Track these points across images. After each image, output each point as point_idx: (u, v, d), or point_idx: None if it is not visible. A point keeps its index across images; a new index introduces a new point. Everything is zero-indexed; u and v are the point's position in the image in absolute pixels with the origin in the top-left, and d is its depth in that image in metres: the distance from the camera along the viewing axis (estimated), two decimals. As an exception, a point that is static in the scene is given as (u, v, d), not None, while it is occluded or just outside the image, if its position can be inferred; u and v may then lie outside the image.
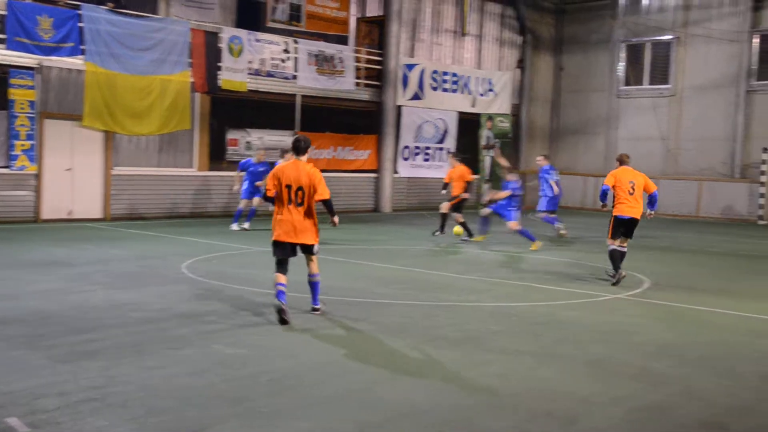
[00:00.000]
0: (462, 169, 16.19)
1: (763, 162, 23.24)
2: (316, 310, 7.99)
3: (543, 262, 13.20)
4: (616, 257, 10.59)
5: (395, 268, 11.54)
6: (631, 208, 10.63)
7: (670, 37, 25.93)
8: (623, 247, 10.74)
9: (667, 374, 6.14)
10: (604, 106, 27.55)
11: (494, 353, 6.64)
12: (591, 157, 27.67)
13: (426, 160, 24.72)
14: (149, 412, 4.83)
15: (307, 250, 7.73)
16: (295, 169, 7.69)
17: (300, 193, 7.58)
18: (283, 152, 13.64)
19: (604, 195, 10.63)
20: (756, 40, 24.20)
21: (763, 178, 23.26)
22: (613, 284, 10.41)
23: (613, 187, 10.68)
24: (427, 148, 24.68)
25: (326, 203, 7.80)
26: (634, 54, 27.00)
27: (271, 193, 7.70)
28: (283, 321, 7.41)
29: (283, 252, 7.66)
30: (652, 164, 26.15)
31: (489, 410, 5.07)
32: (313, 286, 7.97)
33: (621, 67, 27.17)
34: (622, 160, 11.14)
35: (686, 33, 25.59)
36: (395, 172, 23.61)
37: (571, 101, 28.37)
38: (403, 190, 24.24)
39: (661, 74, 26.29)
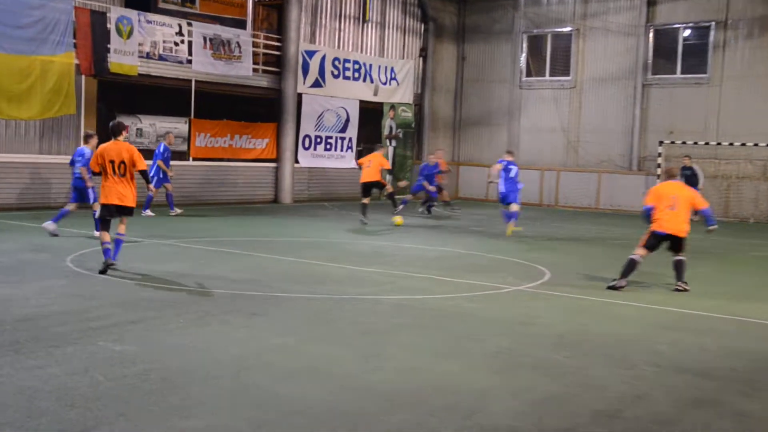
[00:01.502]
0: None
1: (659, 155, 24.45)
2: (112, 265, 9.65)
3: (447, 254, 13.43)
4: (630, 266, 10.17)
5: (295, 261, 11.49)
6: (670, 223, 10.10)
7: (569, 29, 26.82)
8: (678, 256, 10.25)
9: (564, 365, 6.35)
10: (507, 97, 28.24)
11: (396, 347, 6.70)
12: (495, 149, 28.28)
13: (327, 149, 24.67)
14: (28, 415, 4.63)
15: (126, 212, 9.92)
16: (116, 147, 9.81)
17: (122, 166, 9.74)
18: (87, 137, 13.21)
19: (646, 216, 10.25)
20: (651, 35, 25.38)
21: (659, 171, 24.44)
22: (609, 287, 10.10)
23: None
24: (329, 137, 24.64)
25: (143, 173, 9.87)
26: (536, 45, 27.78)
27: (96, 169, 9.87)
28: (104, 272, 9.51)
29: (110, 213, 9.83)
30: (554, 156, 27.06)
31: (388, 406, 5.11)
32: (117, 243, 10.02)
33: (523, 58, 27.92)
34: (670, 174, 10.64)
35: (585, 25, 26.55)
36: (296, 161, 23.46)
37: (474, 91, 28.93)
38: (304, 180, 24.12)
39: (561, 66, 27.17)
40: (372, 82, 25.70)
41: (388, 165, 17.48)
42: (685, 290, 10.11)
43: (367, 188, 17.59)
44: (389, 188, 18.20)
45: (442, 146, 28.20)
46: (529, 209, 23.41)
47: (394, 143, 26.69)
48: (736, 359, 6.78)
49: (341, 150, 25.05)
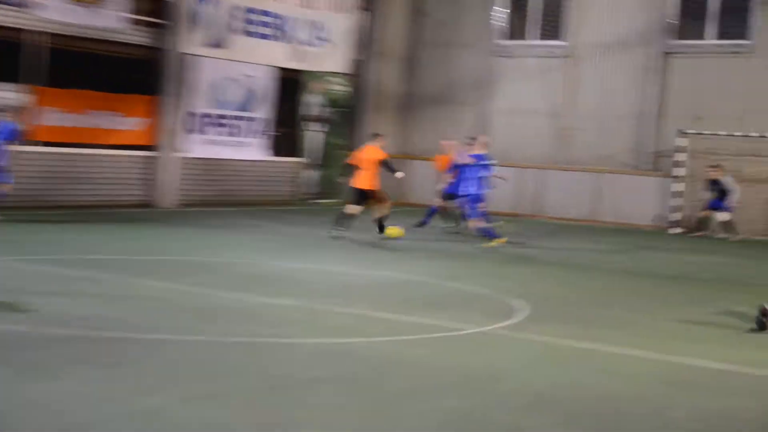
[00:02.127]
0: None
1: (678, 150, 24.94)
2: None
3: (388, 281, 13.42)
4: None
5: (177, 289, 11.38)
6: None
7: (565, -24, 27.27)
8: None
9: (542, 435, 6.43)
10: (477, 67, 28.43)
11: (310, 411, 6.67)
12: (458, 137, 28.39)
13: (228, 134, 24.52)
14: None
15: None
16: None
17: None
18: None
19: None
20: (677, -13, 25.95)
21: (678, 172, 24.93)
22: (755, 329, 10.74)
23: None
24: (231, 117, 24.49)
25: None
26: (518, -3, 28.17)
27: None
28: None
29: None
30: (539, 148, 27.32)
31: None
32: None
33: (500, 14, 28.20)
34: None
35: (586, -28, 27.03)
36: (182, 150, 23.23)
37: (433, 59, 29.07)
38: (195, 176, 23.90)
39: (553, 26, 27.51)
40: (293, 42, 25.65)
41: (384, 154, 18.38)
42: None
43: (361, 197, 18.13)
44: (381, 207, 18.40)
45: (387, 131, 28.30)
46: (503, 220, 23.57)
47: (319, 127, 26.67)
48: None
49: (248, 135, 24.90)
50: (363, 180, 18.17)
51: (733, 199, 23.08)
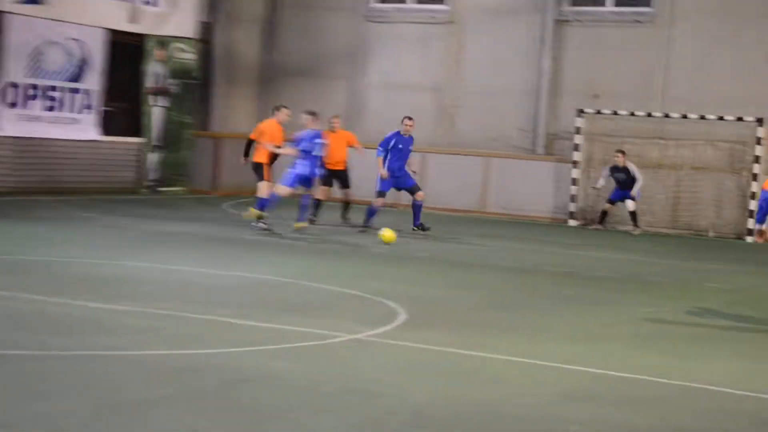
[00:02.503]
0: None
1: (578, 131, 25.53)
2: None
3: (246, 282, 13.38)
4: None
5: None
6: None
7: (448, -70, 27.51)
8: None
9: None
10: (348, 34, 28.46)
11: (156, 433, 6.65)
12: (328, 115, 28.37)
13: (51, 108, 24.01)
14: None
15: None
16: None
17: None
18: None
19: (762, 215, 12.96)
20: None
21: (576, 156, 25.52)
22: None
23: None
24: (53, 88, 24.00)
25: None
26: (393, -48, 28.29)
27: None
28: None
29: None
30: (420, 128, 27.46)
31: None
32: None
33: (373, -28, 28.30)
34: None
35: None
36: (-5, 128, 22.73)
37: (297, 24, 28.94)
38: (9, 159, 23.34)
39: (434, -13, 27.81)
40: (128, 0, 25.27)
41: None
42: None
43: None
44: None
45: (243, 107, 28.16)
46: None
47: (161, 101, 26.34)
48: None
49: (74, 110, 24.44)
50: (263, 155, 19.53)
51: (638, 185, 23.69)
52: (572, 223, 25.22)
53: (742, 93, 24.30)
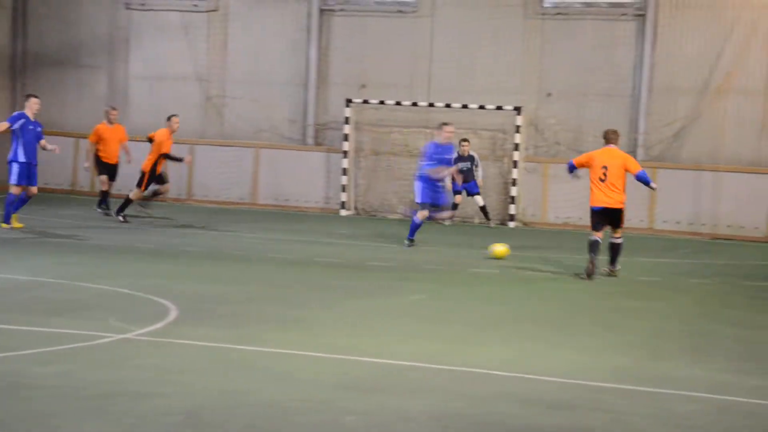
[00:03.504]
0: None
1: (346, 121, 25.72)
2: None
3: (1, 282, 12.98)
4: (590, 247, 15.59)
5: None
6: (605, 196, 15.70)
7: None
8: (614, 238, 16.00)
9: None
10: (107, 22, 28.01)
11: None
12: (88, 107, 27.75)
13: None
14: None
15: None
16: None
17: None
18: None
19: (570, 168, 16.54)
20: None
21: (346, 146, 25.69)
22: (583, 276, 15.49)
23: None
24: None
25: None
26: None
27: None
28: None
29: None
30: (188, 120, 27.17)
31: None
32: None
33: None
34: (608, 138, 16.14)
35: None
36: None
37: (51, 11, 28.28)
38: None
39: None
40: None
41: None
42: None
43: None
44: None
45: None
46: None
47: None
48: (450, 431, 7.26)
49: None
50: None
51: (481, 174, 24.00)
52: (344, 213, 25.44)
53: (502, 83, 25.12)
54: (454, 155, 21.17)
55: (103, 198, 21.87)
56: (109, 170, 21.66)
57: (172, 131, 21.04)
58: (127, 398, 7.74)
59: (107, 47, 28.01)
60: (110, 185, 21.98)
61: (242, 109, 27.05)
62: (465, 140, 23.98)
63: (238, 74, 27.14)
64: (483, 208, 24.14)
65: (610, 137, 16.11)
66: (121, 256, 16.15)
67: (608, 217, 15.80)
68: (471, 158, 23.96)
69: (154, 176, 20.87)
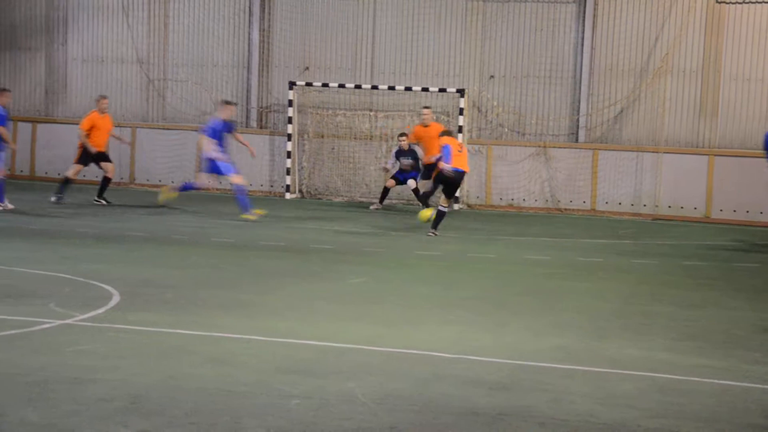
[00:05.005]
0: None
1: (290, 104, 25.63)
2: None
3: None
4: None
5: None
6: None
7: None
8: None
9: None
10: (42, 3, 27.59)
11: None
12: (26, 90, 27.45)
13: None
14: None
15: None
16: None
17: None
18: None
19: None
20: None
21: (290, 129, 25.61)
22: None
23: None
24: None
25: None
26: None
27: None
28: None
29: None
30: (130, 104, 27.04)
31: None
32: None
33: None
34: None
35: None
36: None
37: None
38: None
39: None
40: None
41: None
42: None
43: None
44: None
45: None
46: (87, 189, 23.10)
47: None
48: (391, 412, 7.35)
49: None
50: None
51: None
52: (289, 196, 25.38)
53: (444, 65, 25.18)
54: (395, 149, 22.38)
55: (63, 186, 21.37)
56: (98, 157, 21.50)
57: (101, 112, 21.27)
58: (68, 384, 7.72)
59: (45, 29, 27.64)
60: (109, 170, 21.80)
61: (184, 92, 26.87)
62: (403, 134, 23.59)
63: (180, 57, 26.93)
64: (416, 191, 23.66)
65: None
66: (62, 241, 16.02)
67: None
68: (412, 152, 23.38)
69: (90, 157, 21.33)
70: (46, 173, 26.50)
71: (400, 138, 23.44)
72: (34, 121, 27.01)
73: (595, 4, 24.31)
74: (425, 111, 21.78)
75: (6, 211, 19.26)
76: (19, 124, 26.52)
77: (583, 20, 24.44)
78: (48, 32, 27.64)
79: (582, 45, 24.49)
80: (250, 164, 25.91)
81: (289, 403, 7.44)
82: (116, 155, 25.76)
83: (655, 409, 7.67)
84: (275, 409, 7.31)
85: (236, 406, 7.30)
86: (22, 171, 27.02)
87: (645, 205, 23.78)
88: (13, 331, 9.43)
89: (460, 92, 24.51)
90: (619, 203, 24.08)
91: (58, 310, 10.49)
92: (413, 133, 22.91)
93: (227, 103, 21.77)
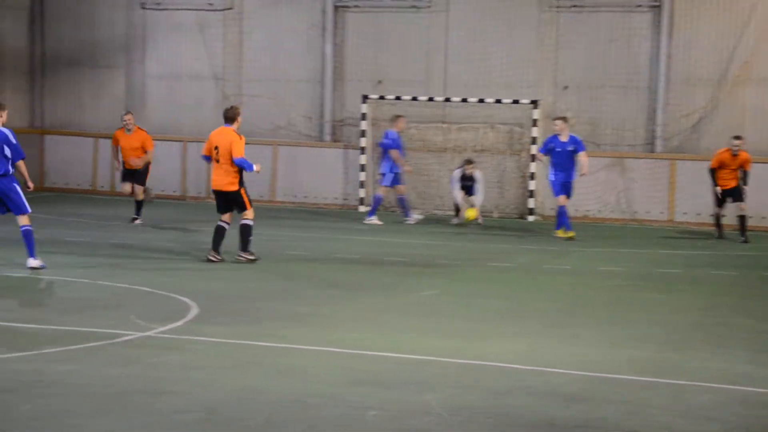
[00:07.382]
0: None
1: (363, 117, 25.71)
2: None
3: (13, 281, 13.02)
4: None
5: None
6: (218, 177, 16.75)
7: None
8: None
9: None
10: (122, 23, 27.94)
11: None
12: (106, 107, 27.82)
13: None
14: None
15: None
16: None
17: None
18: None
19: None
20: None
21: (363, 142, 25.70)
22: None
23: None
24: None
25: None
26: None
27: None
28: None
29: None
30: (204, 118, 27.25)
31: None
32: None
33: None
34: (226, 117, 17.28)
35: None
36: None
37: (67, 12, 28.20)
38: None
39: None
40: None
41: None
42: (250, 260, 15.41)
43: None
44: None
45: (13, 100, 27.21)
46: (165, 204, 23.36)
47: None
48: (466, 424, 7.32)
49: None
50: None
51: (481, 193, 23.34)
52: (363, 209, 25.37)
53: (518, 76, 25.06)
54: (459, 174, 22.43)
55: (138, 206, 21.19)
56: (128, 176, 21.02)
57: (126, 129, 20.78)
58: (146, 395, 7.79)
59: (124, 47, 27.97)
60: (134, 189, 21.17)
61: (259, 107, 26.97)
62: (469, 161, 23.11)
63: (255, 72, 27.11)
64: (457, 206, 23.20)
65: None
66: (140, 255, 16.19)
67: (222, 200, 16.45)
68: (472, 178, 22.81)
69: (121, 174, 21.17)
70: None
71: (467, 164, 22.97)
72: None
73: (672, 11, 24.03)
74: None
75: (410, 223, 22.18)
76: (100, 140, 26.91)
77: (659, 28, 24.18)
78: (127, 50, 27.95)
79: (658, 53, 24.21)
80: (323, 178, 26.09)
81: (366, 414, 7.44)
82: (194, 169, 26.09)
83: (737, 422, 7.55)
84: (351, 420, 7.32)
85: (310, 417, 7.32)
86: (102, 186, 27.41)
87: (724, 216, 23.43)
88: (95, 343, 9.55)
89: (534, 103, 24.38)
90: (698, 213, 23.75)
91: (139, 322, 10.59)
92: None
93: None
